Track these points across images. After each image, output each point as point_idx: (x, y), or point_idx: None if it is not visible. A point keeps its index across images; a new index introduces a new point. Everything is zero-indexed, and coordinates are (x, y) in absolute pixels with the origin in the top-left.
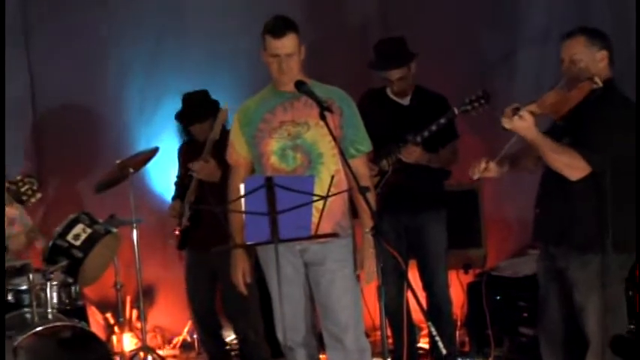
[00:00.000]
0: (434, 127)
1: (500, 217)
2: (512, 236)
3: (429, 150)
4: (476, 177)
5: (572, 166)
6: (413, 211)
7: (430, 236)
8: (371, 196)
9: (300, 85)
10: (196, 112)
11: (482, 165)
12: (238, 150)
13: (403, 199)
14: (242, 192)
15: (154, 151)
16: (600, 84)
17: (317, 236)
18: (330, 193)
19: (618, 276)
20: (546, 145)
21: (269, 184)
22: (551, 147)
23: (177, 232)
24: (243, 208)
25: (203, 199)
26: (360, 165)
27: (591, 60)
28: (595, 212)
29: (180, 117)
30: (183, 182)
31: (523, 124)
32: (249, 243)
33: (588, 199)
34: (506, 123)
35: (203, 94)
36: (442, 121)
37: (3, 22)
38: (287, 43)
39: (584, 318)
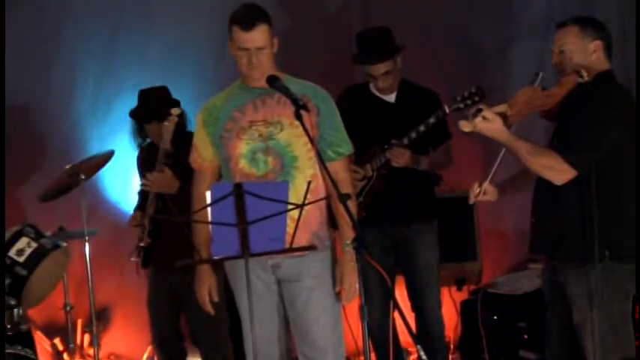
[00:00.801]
0: (422, 128)
1: (497, 227)
2: (510, 248)
3: (419, 152)
4: (472, 202)
5: (554, 169)
6: (400, 222)
7: (420, 249)
8: (352, 204)
9: (272, 81)
10: (154, 109)
11: (476, 189)
12: (203, 153)
13: (389, 207)
14: (208, 200)
15: (108, 155)
16: (586, 77)
17: (292, 249)
18: (306, 201)
19: (622, 290)
20: (521, 147)
21: (238, 192)
22: (527, 149)
23: (140, 248)
24: (209, 219)
25: (165, 211)
26: (339, 169)
27: (582, 51)
28: (588, 219)
29: (135, 114)
30: (143, 191)
31: (489, 125)
32: (216, 257)
33: (578, 205)
34: (465, 126)
35: (163, 91)
36: (431, 120)
37: (3, 21)
38: (257, 36)
39: (582, 338)
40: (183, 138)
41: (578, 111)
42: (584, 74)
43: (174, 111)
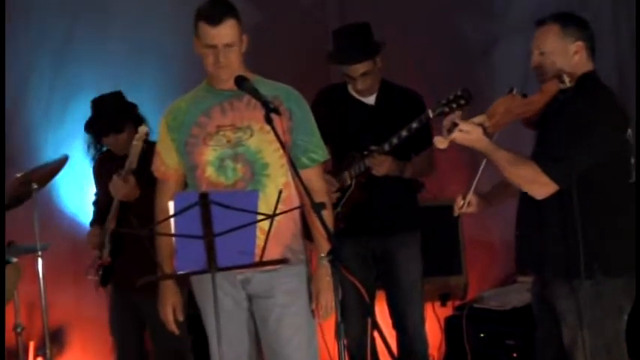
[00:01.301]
0: (404, 133)
1: (483, 237)
2: (497, 260)
3: (401, 158)
4: (456, 214)
5: (534, 182)
6: (381, 233)
7: (402, 262)
8: (327, 214)
9: (240, 82)
10: (110, 122)
11: (460, 201)
12: (166, 161)
13: (369, 218)
14: (171, 211)
15: (62, 161)
16: (568, 83)
17: (262, 263)
18: (277, 211)
19: (614, 306)
20: (501, 158)
21: (204, 201)
22: (507, 159)
23: (96, 266)
24: (172, 231)
25: (126, 223)
26: (313, 177)
27: (563, 53)
28: (569, 231)
29: (90, 127)
30: (102, 204)
31: (466, 136)
32: (180, 273)
33: (561, 218)
34: (440, 143)
35: (116, 98)
36: (414, 125)
37: (3, 21)
38: (225, 32)
39: (573, 356)
40: (147, 149)
41: (560, 119)
42: (566, 79)
43: (142, 129)
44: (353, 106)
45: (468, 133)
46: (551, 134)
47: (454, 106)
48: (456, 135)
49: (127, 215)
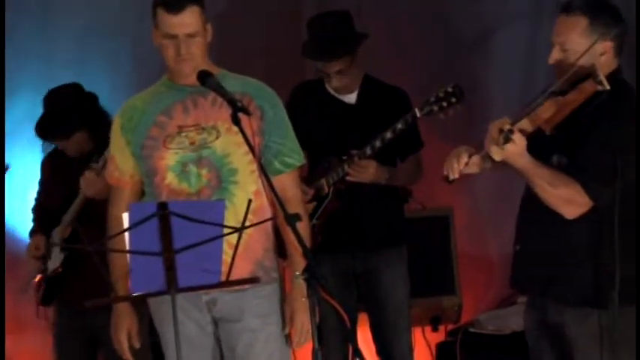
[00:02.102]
0: (389, 135)
1: (479, 252)
2: (495, 279)
3: (385, 163)
4: (453, 177)
5: (572, 202)
6: (363, 249)
7: (387, 282)
8: (303, 227)
9: (204, 77)
10: (57, 125)
11: (464, 158)
12: (121, 166)
13: (349, 231)
14: (126, 224)
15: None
16: (607, 86)
17: (230, 283)
18: (247, 224)
19: (626, 336)
20: (542, 177)
21: (163, 213)
22: (548, 178)
23: (37, 280)
24: (127, 246)
25: (91, 224)
26: (288, 184)
27: (588, 53)
28: (594, 252)
29: (40, 130)
30: (47, 209)
31: (514, 149)
32: (136, 294)
33: (585, 236)
34: (497, 153)
35: (71, 93)
36: (399, 126)
37: (3, 21)
38: (187, 20)
39: None
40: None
41: (600, 131)
42: (604, 81)
43: (101, 160)
44: (331, 105)
45: (517, 145)
46: (590, 147)
47: (444, 104)
48: (509, 147)
49: (93, 216)
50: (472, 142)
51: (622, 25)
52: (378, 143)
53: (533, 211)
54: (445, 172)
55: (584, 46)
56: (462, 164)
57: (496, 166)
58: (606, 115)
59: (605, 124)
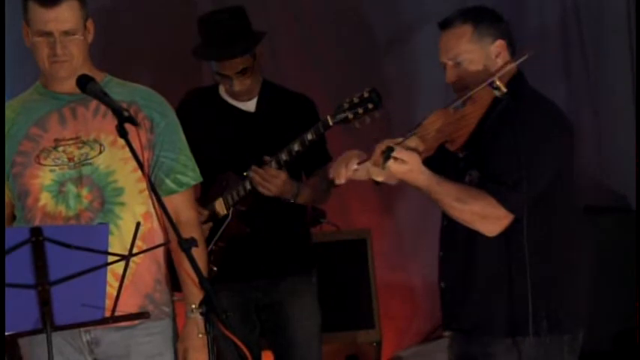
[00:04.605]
0: (296, 148)
1: (400, 280)
2: (418, 310)
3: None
4: (339, 182)
5: (486, 216)
6: (267, 278)
7: (294, 315)
8: (199, 254)
9: (84, 83)
10: None
11: (353, 165)
12: None
13: (252, 258)
14: None
15: None
16: (504, 89)
17: (115, 318)
18: (135, 250)
19: None
20: (447, 193)
21: (36, 239)
22: (454, 195)
23: None
24: None
25: None
26: (182, 205)
27: (484, 58)
28: (508, 278)
29: None
30: None
31: (403, 167)
32: (7, 334)
33: (506, 258)
34: (377, 175)
35: None
36: (309, 137)
37: (3, 22)
38: (64, 15)
39: None
40: None
41: (503, 135)
42: (500, 85)
43: None
44: (227, 113)
45: (405, 163)
46: (496, 155)
47: (360, 111)
48: (391, 165)
49: None
50: None
51: (505, 23)
52: (284, 156)
53: (453, 240)
54: (331, 176)
55: (476, 52)
56: (350, 170)
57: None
58: (508, 120)
59: (508, 129)
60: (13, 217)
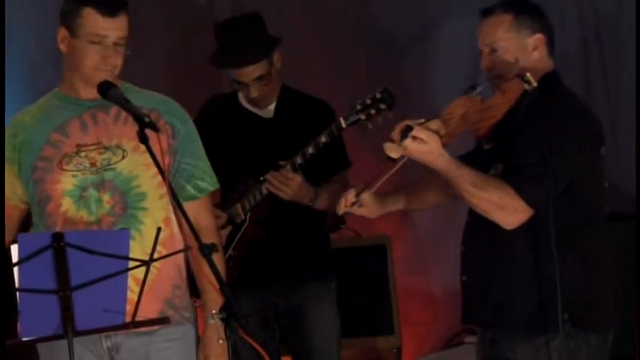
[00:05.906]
0: (311, 150)
1: (420, 286)
2: (439, 316)
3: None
4: (341, 212)
5: (505, 208)
6: (286, 284)
7: (313, 321)
8: (218, 259)
9: (106, 89)
10: None
11: (351, 198)
12: (7, 190)
13: (271, 264)
14: (14, 258)
15: None
16: (534, 83)
17: (136, 324)
18: (156, 256)
19: None
20: (465, 178)
21: (58, 245)
22: (472, 180)
23: None
24: (16, 284)
25: None
26: (201, 211)
27: (520, 49)
28: (536, 271)
29: None
30: None
31: (422, 147)
32: (25, 339)
33: (529, 256)
34: (392, 150)
35: None
36: (323, 139)
37: (3, 22)
38: (122, 25)
39: None
40: None
41: (529, 128)
42: (531, 79)
43: None
44: (245, 120)
45: (424, 142)
46: (521, 147)
47: (372, 112)
48: (408, 144)
49: None
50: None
51: (547, 20)
52: (299, 159)
53: (476, 235)
54: (335, 208)
55: (512, 41)
56: (348, 202)
57: (413, 203)
58: (535, 114)
59: (536, 124)
60: (20, 220)
